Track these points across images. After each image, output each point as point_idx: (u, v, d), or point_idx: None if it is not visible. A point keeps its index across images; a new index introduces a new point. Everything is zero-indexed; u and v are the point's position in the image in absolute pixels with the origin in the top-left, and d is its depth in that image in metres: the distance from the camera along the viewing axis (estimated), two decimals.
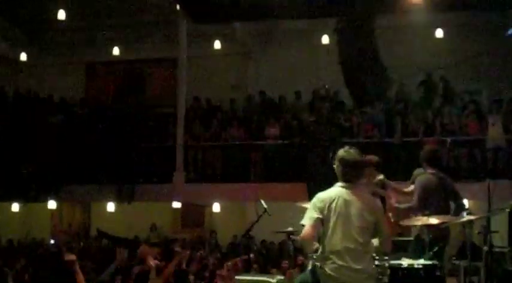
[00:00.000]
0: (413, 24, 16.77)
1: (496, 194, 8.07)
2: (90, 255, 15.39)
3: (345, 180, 5.52)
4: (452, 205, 7.79)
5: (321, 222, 5.38)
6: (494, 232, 8.90)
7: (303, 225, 5.41)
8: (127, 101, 19.30)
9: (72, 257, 7.45)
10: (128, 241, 14.50)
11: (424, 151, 7.88)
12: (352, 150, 5.58)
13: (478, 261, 9.44)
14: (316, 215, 5.37)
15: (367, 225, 5.44)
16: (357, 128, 15.83)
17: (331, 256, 5.31)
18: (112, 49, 18.68)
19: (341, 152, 5.55)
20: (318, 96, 16.89)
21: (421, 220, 6.81)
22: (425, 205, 7.33)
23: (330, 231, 5.35)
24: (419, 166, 9.01)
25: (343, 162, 5.51)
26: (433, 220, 6.74)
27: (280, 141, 16.11)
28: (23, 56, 19.41)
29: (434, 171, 7.63)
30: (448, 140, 14.67)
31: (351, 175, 5.52)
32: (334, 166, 5.58)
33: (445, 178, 7.68)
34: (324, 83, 17.03)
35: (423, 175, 7.65)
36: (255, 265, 12.03)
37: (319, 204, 5.42)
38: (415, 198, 7.43)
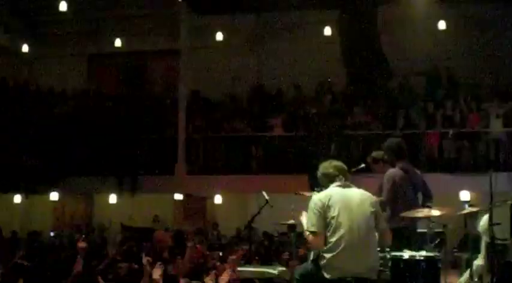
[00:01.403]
0: (416, 16, 16.73)
1: (498, 186, 8.07)
2: (93, 247, 15.37)
3: (338, 180, 5.68)
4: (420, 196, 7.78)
5: (324, 221, 5.42)
6: (496, 224, 8.91)
7: (309, 231, 5.46)
8: (129, 93, 19.29)
9: (83, 245, 7.65)
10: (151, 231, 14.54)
11: (392, 145, 7.83)
12: (332, 160, 5.90)
13: (479, 253, 9.45)
14: (319, 219, 5.42)
15: (369, 215, 5.50)
16: (358, 119, 15.82)
17: (335, 247, 5.32)
18: (114, 41, 18.64)
19: (326, 162, 5.83)
20: (321, 88, 16.88)
21: (422, 213, 6.81)
22: (394, 199, 7.33)
23: (333, 224, 5.38)
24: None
25: (333, 166, 5.75)
26: (435, 212, 6.73)
27: (282, 133, 16.11)
28: (25, 48, 19.37)
29: (402, 165, 7.63)
30: (450, 131, 14.66)
31: (343, 175, 5.73)
32: (320, 174, 5.77)
33: (411, 171, 7.68)
34: (325, 74, 17.01)
35: (392, 169, 7.61)
36: (256, 257, 12.02)
37: (318, 204, 5.48)
38: (384, 192, 7.41)
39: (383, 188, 7.43)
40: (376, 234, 5.61)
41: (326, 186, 5.71)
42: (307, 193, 6.09)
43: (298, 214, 5.93)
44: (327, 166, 5.78)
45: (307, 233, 5.50)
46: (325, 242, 5.41)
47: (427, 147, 15.12)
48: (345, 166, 5.81)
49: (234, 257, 10.19)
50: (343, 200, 5.47)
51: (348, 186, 5.66)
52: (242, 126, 16.55)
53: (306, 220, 5.55)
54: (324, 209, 5.42)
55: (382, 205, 6.88)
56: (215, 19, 18.39)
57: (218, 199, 17.84)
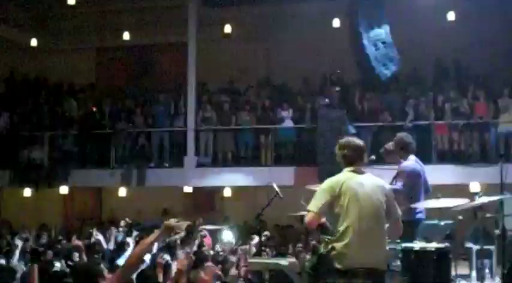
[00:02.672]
0: (425, 6, 16.64)
1: (508, 178, 8.04)
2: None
3: (354, 164, 5.57)
4: None
5: (329, 206, 5.38)
6: (506, 216, 8.89)
7: (309, 211, 5.42)
8: (137, 86, 19.30)
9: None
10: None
11: (399, 140, 7.73)
12: (352, 138, 5.78)
13: (490, 245, 9.44)
14: (323, 201, 5.38)
15: (380, 204, 5.43)
16: (368, 111, 15.78)
17: (344, 236, 5.30)
18: (122, 34, 18.64)
19: (346, 140, 5.71)
20: (330, 80, 16.82)
21: (435, 203, 6.79)
22: (410, 191, 7.24)
23: (343, 212, 5.34)
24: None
25: (353, 147, 5.61)
26: (446, 204, 6.72)
27: (291, 125, 16.09)
28: (33, 41, 19.41)
29: (415, 158, 7.59)
30: (460, 123, 14.60)
31: (360, 159, 5.62)
32: (339, 153, 5.64)
33: (422, 165, 7.66)
34: (334, 66, 16.94)
35: (410, 161, 7.53)
36: (267, 249, 12.05)
37: (328, 189, 5.42)
38: (401, 182, 7.27)
39: (402, 178, 7.32)
40: (387, 224, 5.54)
41: (342, 167, 5.63)
42: (318, 188, 6.04)
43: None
44: (345, 146, 5.64)
45: (307, 213, 5.46)
46: (336, 231, 5.37)
47: (436, 138, 15.07)
48: (362, 146, 5.67)
49: (245, 248, 10.21)
50: (354, 187, 5.40)
51: (362, 173, 5.56)
52: (251, 119, 16.52)
53: (312, 200, 5.50)
54: (335, 196, 5.38)
55: (397, 194, 6.84)
56: (223, 11, 18.36)
57: (227, 191, 17.84)
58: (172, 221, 4.71)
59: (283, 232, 16.27)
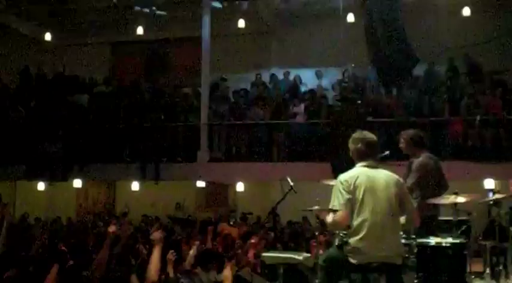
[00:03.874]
0: (440, 2, 16.55)
1: None
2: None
3: (366, 159, 5.57)
4: None
5: (350, 201, 5.37)
6: None
7: (334, 210, 5.39)
8: (151, 80, 19.32)
9: (114, 229, 7.74)
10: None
11: (410, 137, 7.61)
12: (365, 132, 5.75)
13: (505, 242, 9.37)
14: (345, 197, 5.36)
15: (394, 198, 5.43)
16: (382, 106, 15.71)
17: (359, 231, 5.29)
18: (136, 29, 18.67)
19: (359, 134, 5.70)
20: (345, 75, 16.77)
21: (449, 199, 6.75)
22: (420, 187, 7.18)
23: (357, 206, 5.34)
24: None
25: (366, 141, 5.62)
26: (461, 199, 6.68)
27: (304, 121, 16.04)
28: (48, 36, 19.46)
29: (428, 154, 7.50)
30: (477, 118, 14.46)
31: (373, 153, 5.63)
32: (352, 148, 5.65)
33: (438, 160, 7.58)
34: (348, 61, 16.88)
35: (423, 157, 7.45)
36: (278, 244, 12.05)
37: (345, 184, 5.41)
38: (412, 178, 7.22)
39: (414, 174, 7.26)
40: (401, 218, 5.52)
41: (355, 161, 5.64)
42: (331, 182, 6.02)
43: (322, 212, 5.82)
44: (358, 141, 5.66)
45: (331, 214, 5.44)
46: (350, 226, 5.35)
47: (451, 134, 14.98)
48: (375, 141, 5.68)
49: (254, 241, 10.16)
50: (368, 182, 5.41)
51: (375, 167, 5.57)
52: (264, 114, 16.49)
53: (331, 200, 5.48)
54: (350, 190, 5.37)
55: (409, 190, 6.78)
56: (237, 6, 18.33)
57: (240, 187, 17.85)
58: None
59: (296, 227, 16.27)
